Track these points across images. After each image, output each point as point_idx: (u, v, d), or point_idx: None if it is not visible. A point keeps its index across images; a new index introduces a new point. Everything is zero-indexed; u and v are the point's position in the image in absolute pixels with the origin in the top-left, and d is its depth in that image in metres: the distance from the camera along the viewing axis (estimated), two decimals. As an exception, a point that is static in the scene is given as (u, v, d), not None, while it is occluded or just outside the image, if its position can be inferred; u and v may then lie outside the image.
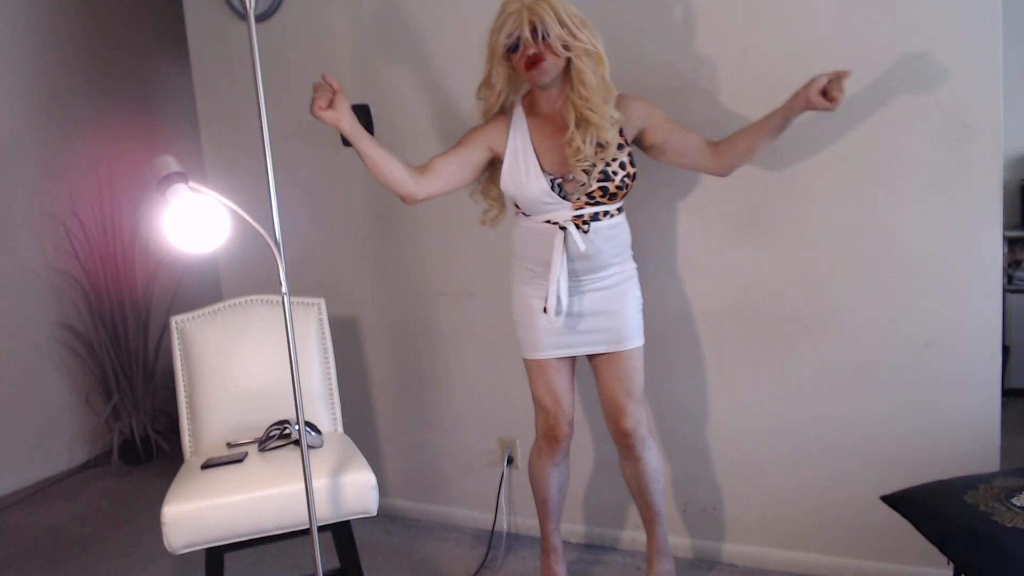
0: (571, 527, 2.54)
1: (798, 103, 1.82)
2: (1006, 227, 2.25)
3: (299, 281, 2.32)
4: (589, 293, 1.96)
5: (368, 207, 2.70)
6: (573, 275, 1.94)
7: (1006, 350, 3.26)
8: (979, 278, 1.97)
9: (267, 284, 2.28)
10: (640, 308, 2.03)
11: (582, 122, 1.84)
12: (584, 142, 1.83)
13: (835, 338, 2.12)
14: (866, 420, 2.11)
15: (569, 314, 1.96)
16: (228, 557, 1.93)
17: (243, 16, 2.74)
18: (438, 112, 2.51)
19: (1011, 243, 3.53)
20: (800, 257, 2.13)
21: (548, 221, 1.92)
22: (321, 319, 2.35)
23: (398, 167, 1.86)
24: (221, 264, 2.99)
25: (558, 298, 1.92)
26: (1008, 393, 2.92)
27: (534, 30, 1.77)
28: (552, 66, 1.81)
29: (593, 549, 2.52)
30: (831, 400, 2.15)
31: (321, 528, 1.87)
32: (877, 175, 2.02)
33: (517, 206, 1.99)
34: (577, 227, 1.89)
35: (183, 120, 3.59)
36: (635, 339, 2.01)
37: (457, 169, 1.93)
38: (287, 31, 2.69)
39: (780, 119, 1.86)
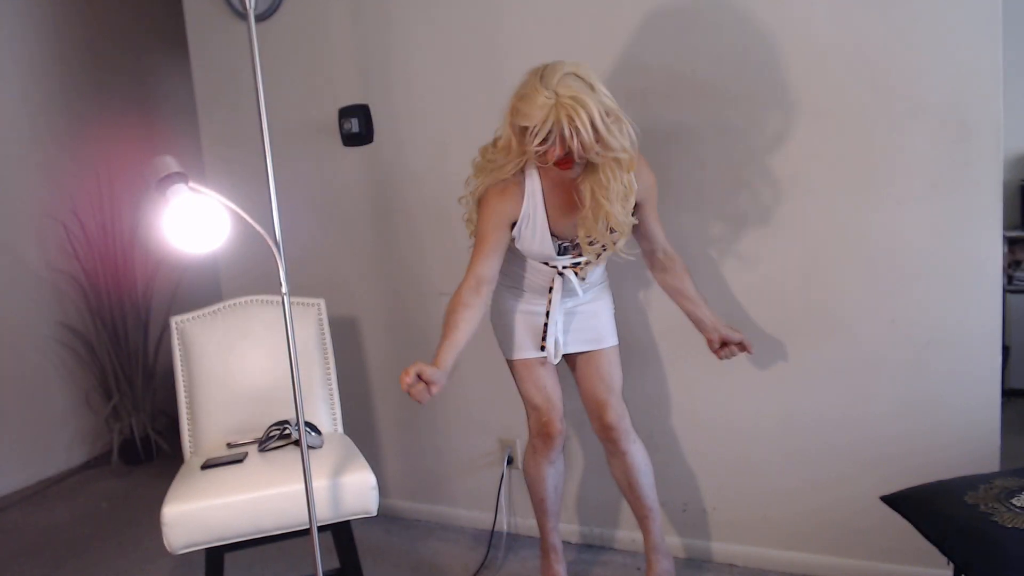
0: (570, 527, 2.54)
1: (707, 332, 2.04)
2: (1006, 227, 2.25)
3: (299, 281, 2.32)
4: (577, 296, 2.02)
5: (368, 207, 2.70)
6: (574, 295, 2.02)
7: (1006, 350, 3.26)
8: (979, 278, 1.96)
9: (267, 284, 2.27)
10: (613, 312, 2.12)
11: (596, 207, 1.80)
12: (596, 223, 1.81)
13: (835, 338, 2.12)
14: (866, 420, 2.11)
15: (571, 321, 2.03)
16: (228, 557, 1.93)
17: (243, 16, 2.74)
18: (437, 112, 2.51)
19: (1011, 243, 3.53)
20: (800, 257, 2.13)
21: (545, 263, 1.96)
22: (321, 319, 2.34)
23: (472, 326, 1.87)
24: (221, 264, 2.99)
25: (555, 339, 1.99)
26: (1008, 393, 2.91)
27: (563, 131, 1.65)
28: (580, 164, 1.75)
29: (592, 549, 2.52)
30: (831, 400, 2.15)
31: (321, 528, 1.87)
32: (877, 175, 2.01)
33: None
34: (575, 274, 1.96)
35: (183, 120, 3.59)
36: (612, 338, 2.09)
37: (497, 262, 1.89)
38: (287, 31, 2.69)
39: (697, 318, 2.05)
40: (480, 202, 1.90)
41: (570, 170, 1.76)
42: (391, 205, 2.66)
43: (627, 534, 2.48)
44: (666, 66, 2.17)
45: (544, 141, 1.68)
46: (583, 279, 1.98)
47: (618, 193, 1.78)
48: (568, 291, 1.99)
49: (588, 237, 1.84)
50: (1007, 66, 1.87)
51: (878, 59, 1.97)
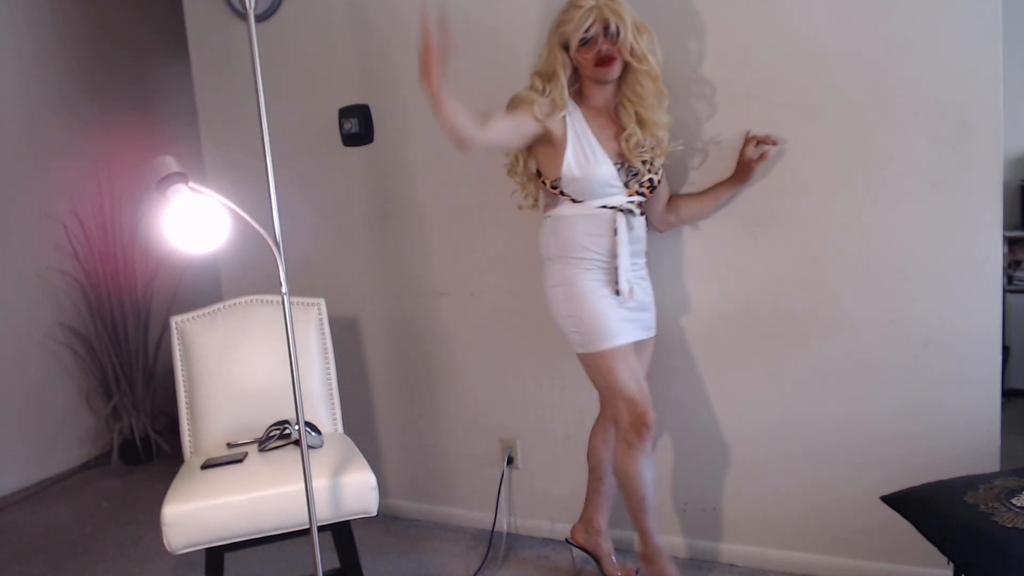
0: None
1: (739, 168, 2.10)
2: (1006, 227, 2.25)
3: (299, 281, 2.32)
4: (638, 281, 2.04)
5: (368, 207, 2.70)
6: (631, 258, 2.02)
7: (1006, 350, 3.26)
8: (979, 278, 1.96)
9: (267, 284, 2.28)
10: None
11: (640, 121, 1.96)
12: (643, 137, 1.96)
13: (835, 338, 2.12)
14: (866, 420, 2.11)
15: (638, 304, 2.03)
16: (228, 557, 1.93)
17: (243, 16, 2.74)
18: (438, 112, 2.51)
19: (1011, 243, 3.53)
20: (800, 257, 2.13)
21: (603, 207, 1.96)
22: (321, 319, 2.34)
23: (464, 110, 1.78)
24: (221, 264, 2.99)
25: (627, 279, 1.98)
26: (1008, 393, 2.92)
27: (607, 29, 1.86)
28: (619, 66, 1.91)
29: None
30: (831, 400, 2.15)
31: (321, 528, 1.87)
32: (877, 175, 2.02)
33: (563, 193, 1.97)
34: (631, 212, 1.98)
35: (183, 120, 3.59)
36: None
37: (511, 129, 1.92)
38: (287, 31, 2.69)
39: (724, 184, 2.12)
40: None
41: (611, 68, 1.90)
42: (391, 205, 2.66)
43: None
44: (667, 65, 2.17)
45: (587, 44, 1.87)
46: (643, 214, 2.02)
47: (654, 102, 1.95)
48: (633, 238, 1.99)
49: (636, 150, 1.95)
50: (1007, 66, 1.87)
51: (878, 59, 1.97)
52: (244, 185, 2.30)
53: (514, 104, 1.96)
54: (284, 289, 1.60)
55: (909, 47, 1.94)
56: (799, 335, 2.16)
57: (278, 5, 2.68)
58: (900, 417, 2.07)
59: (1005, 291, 3.25)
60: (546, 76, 1.95)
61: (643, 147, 1.96)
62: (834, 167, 2.05)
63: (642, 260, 2.08)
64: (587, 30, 1.86)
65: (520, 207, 2.11)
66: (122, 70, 3.89)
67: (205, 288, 3.24)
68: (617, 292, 1.96)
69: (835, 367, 2.13)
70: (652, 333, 2.12)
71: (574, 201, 1.96)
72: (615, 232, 1.94)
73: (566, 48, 1.91)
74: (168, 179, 1.52)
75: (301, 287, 2.40)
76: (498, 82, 2.17)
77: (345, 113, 2.62)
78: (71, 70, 3.66)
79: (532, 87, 1.97)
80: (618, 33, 1.86)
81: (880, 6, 1.95)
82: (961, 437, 2.01)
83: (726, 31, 2.10)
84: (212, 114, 2.93)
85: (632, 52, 1.88)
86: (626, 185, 1.97)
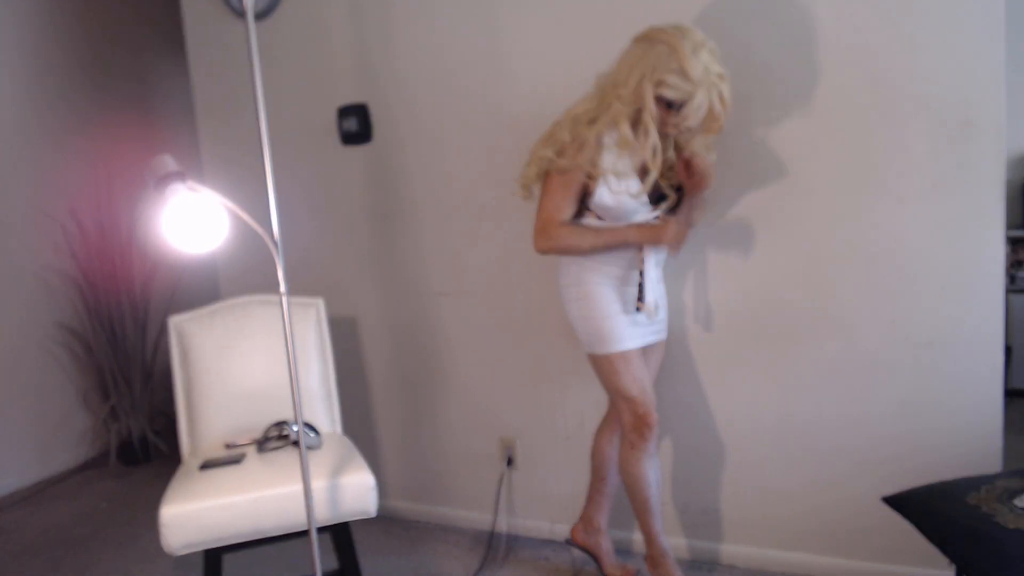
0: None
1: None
2: (1008, 227, 2.24)
3: (298, 281, 2.31)
4: (657, 285, 2.06)
5: (367, 206, 2.69)
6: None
7: (1008, 350, 3.26)
8: (981, 278, 1.96)
9: (266, 284, 2.27)
10: None
11: (676, 147, 1.95)
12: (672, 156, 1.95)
13: (836, 338, 2.11)
14: (867, 420, 2.11)
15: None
16: (226, 558, 1.92)
17: (241, 15, 2.74)
18: (436, 111, 2.50)
19: (1013, 243, 3.53)
20: (801, 257, 2.12)
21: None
22: (320, 319, 2.34)
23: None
24: (219, 264, 2.98)
25: (652, 295, 1.99)
26: (1010, 393, 2.91)
27: (718, 109, 1.83)
28: None
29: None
30: (832, 400, 2.14)
31: (320, 529, 1.86)
32: (878, 174, 2.01)
33: (588, 209, 1.97)
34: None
35: (181, 119, 3.59)
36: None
37: (573, 203, 1.96)
38: (285, 30, 2.68)
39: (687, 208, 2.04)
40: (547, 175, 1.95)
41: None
42: (390, 204, 2.65)
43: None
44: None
45: (684, 113, 1.80)
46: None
47: (702, 140, 1.94)
48: (656, 249, 2.00)
49: (668, 174, 1.95)
50: (1010, 64, 1.86)
51: (880, 58, 1.96)
52: (242, 184, 2.29)
53: (555, 190, 1.93)
54: (283, 289, 1.60)
55: (911, 46, 1.93)
56: (799, 335, 2.15)
57: (276, 3, 2.68)
58: (901, 417, 2.07)
59: (1007, 291, 3.25)
60: (636, 126, 1.85)
61: (675, 172, 1.94)
62: (836, 166, 2.05)
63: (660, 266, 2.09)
64: (713, 107, 1.80)
65: (524, 196, 2.07)
66: (120, 69, 3.88)
67: (203, 288, 3.23)
68: (638, 309, 1.98)
69: (836, 367, 2.12)
70: (663, 337, 2.14)
71: (600, 218, 1.97)
72: (640, 248, 1.96)
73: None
74: (166, 178, 1.52)
75: (300, 287, 2.39)
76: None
77: (344, 112, 2.61)
78: (69, 69, 3.65)
79: (623, 132, 1.85)
80: (722, 111, 1.83)
81: (882, 5, 1.94)
82: (963, 437, 2.00)
83: (727, 32, 2.09)
84: (210, 113, 2.92)
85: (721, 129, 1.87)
86: (652, 202, 1.96)
